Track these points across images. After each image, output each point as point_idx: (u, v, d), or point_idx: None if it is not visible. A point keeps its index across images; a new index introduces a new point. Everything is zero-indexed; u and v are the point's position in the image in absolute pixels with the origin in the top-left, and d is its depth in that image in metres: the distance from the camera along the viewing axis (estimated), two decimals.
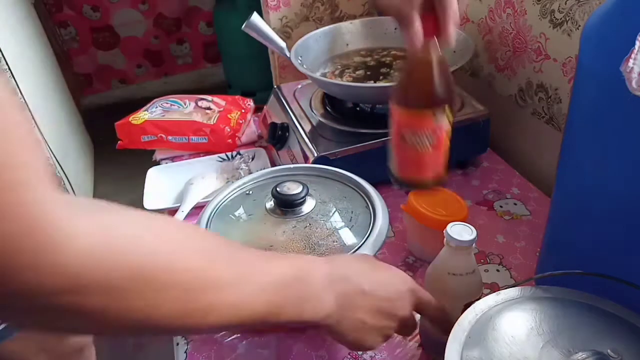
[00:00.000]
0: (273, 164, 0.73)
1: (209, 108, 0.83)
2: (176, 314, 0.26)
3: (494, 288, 0.51)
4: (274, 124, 0.70)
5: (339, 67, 0.74)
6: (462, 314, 0.37)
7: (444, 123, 0.38)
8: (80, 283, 0.22)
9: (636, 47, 0.28)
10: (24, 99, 1.14)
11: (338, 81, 0.68)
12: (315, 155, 0.61)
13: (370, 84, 0.67)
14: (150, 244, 0.25)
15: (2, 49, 1.09)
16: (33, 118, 1.17)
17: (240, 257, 0.31)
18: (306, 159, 0.62)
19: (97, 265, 0.22)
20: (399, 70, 0.40)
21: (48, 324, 0.24)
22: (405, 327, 0.38)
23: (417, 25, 0.34)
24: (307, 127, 0.67)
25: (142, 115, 0.80)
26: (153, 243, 0.25)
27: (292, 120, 0.69)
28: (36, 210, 0.20)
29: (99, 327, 0.24)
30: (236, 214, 0.49)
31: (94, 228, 0.22)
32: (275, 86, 0.79)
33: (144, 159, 0.82)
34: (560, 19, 0.60)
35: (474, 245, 0.38)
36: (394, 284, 0.37)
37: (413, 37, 0.34)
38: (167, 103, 0.85)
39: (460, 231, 0.38)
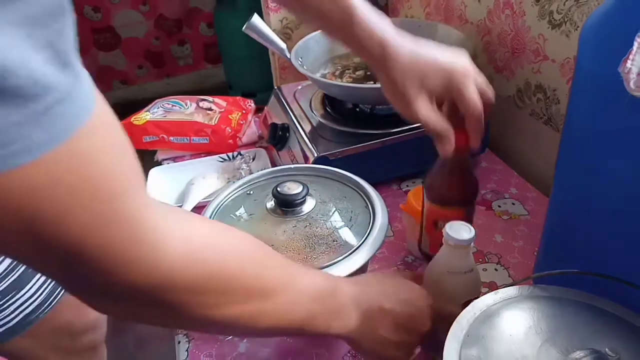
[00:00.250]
0: (273, 164, 0.73)
1: (210, 109, 0.84)
2: (236, 315, 0.28)
3: (492, 287, 0.52)
4: (274, 125, 0.71)
5: (339, 68, 0.74)
6: (461, 312, 0.38)
7: (471, 212, 0.45)
8: (171, 281, 0.24)
9: (634, 48, 0.29)
10: None
11: (338, 82, 0.69)
12: (315, 155, 0.61)
13: (370, 84, 0.68)
14: (226, 252, 0.28)
15: None
16: None
17: (287, 265, 0.33)
18: (306, 159, 0.63)
19: (185, 267, 0.25)
20: (429, 171, 0.45)
21: (136, 315, 0.27)
22: (424, 338, 0.39)
23: (452, 142, 0.40)
24: (307, 128, 0.67)
25: (143, 116, 0.81)
26: (228, 251, 0.28)
27: (293, 121, 0.69)
28: (136, 216, 0.22)
29: (175, 319, 0.27)
30: (237, 213, 0.50)
31: (183, 234, 0.25)
32: (275, 87, 0.80)
33: (146, 160, 0.81)
34: (559, 20, 0.61)
35: (472, 244, 0.39)
36: (413, 302, 0.38)
37: (448, 150, 0.41)
38: (168, 104, 0.85)
39: (459, 230, 0.39)
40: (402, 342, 0.37)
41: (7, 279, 0.47)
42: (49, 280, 0.51)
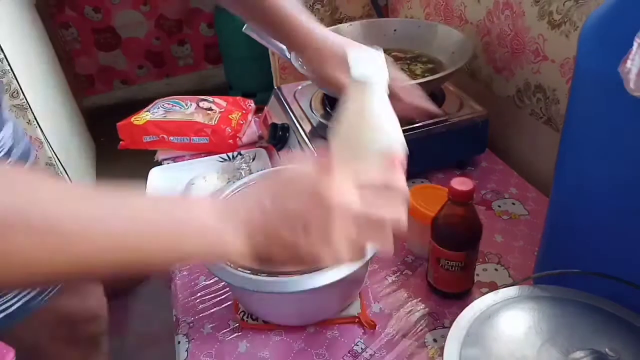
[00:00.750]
0: (273, 165, 0.73)
1: (210, 109, 0.84)
2: (26, 260, 0.24)
3: (493, 287, 0.52)
4: (274, 125, 0.71)
5: None
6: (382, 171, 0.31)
7: (472, 254, 0.47)
8: None
9: (634, 48, 0.29)
10: (27, 100, 1.15)
11: None
12: None
13: None
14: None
15: (4, 50, 1.09)
16: (35, 119, 1.18)
17: (101, 200, 0.27)
18: None
19: None
20: (438, 217, 0.47)
21: None
22: (370, 222, 0.30)
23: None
24: (307, 128, 0.67)
25: (143, 116, 0.81)
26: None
27: (293, 121, 0.69)
28: None
29: None
30: None
31: None
32: (275, 87, 0.80)
33: (146, 159, 0.82)
34: (559, 20, 0.61)
35: (386, 79, 0.31)
36: (299, 178, 0.30)
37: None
38: (168, 104, 0.85)
39: (364, 62, 0.30)
40: (319, 233, 0.29)
41: None
42: None
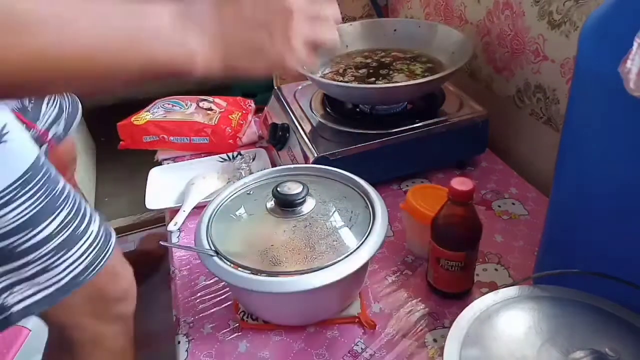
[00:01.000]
0: (273, 164, 0.73)
1: (210, 109, 0.84)
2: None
3: (493, 287, 0.52)
4: (274, 125, 0.71)
5: (342, 66, 0.74)
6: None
7: (472, 254, 0.47)
8: None
9: (634, 48, 0.29)
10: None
11: (337, 82, 0.69)
12: (316, 155, 0.61)
13: (370, 84, 0.68)
14: None
15: None
16: None
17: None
18: (306, 159, 0.63)
19: None
20: (438, 217, 0.47)
21: None
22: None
23: None
24: (307, 128, 0.67)
25: (144, 116, 0.81)
26: None
27: (293, 121, 0.69)
28: None
29: None
30: (237, 213, 0.50)
31: None
32: (275, 87, 0.80)
33: (146, 159, 0.82)
34: (559, 20, 0.61)
35: None
36: None
37: None
38: (168, 104, 0.85)
39: None
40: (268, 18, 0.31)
41: (59, 236, 0.46)
42: (95, 242, 0.50)
